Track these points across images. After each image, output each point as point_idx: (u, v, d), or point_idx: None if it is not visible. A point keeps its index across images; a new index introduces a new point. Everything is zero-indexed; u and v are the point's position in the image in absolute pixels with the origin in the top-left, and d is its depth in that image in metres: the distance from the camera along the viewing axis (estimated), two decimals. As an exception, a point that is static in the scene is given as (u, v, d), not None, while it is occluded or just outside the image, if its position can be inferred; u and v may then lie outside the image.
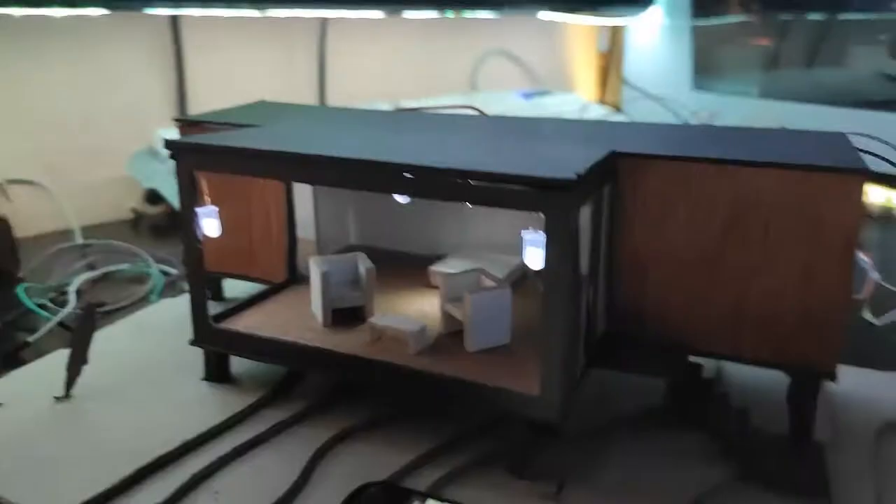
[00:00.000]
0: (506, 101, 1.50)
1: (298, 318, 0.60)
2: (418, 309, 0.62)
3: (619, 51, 1.58)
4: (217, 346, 0.57)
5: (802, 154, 0.53)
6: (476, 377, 0.50)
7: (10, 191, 0.97)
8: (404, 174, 0.46)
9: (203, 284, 0.56)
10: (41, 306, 0.76)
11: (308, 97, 1.27)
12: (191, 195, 0.53)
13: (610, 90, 1.60)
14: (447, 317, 0.57)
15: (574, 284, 0.45)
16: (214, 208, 0.54)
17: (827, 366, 0.52)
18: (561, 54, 1.66)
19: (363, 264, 0.60)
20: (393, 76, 1.37)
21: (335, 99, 1.29)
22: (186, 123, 0.69)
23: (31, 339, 0.70)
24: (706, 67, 1.47)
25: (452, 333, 0.57)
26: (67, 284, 0.81)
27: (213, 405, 0.55)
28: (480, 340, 0.55)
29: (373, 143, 0.56)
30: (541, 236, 0.44)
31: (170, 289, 0.84)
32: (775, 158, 0.51)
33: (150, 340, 0.66)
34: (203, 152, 0.52)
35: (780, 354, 0.53)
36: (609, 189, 0.54)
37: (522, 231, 0.47)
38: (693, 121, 1.34)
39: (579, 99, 1.56)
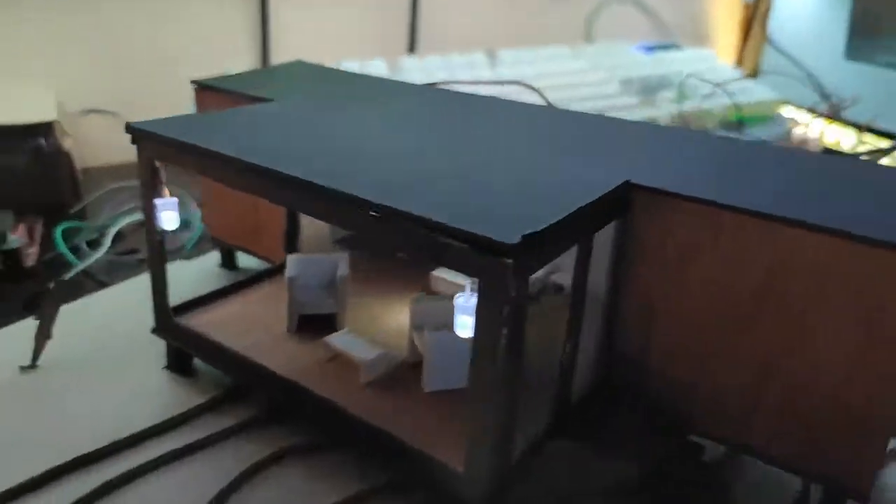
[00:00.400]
0: (623, 55, 1.36)
1: (268, 317, 0.56)
2: (401, 323, 0.57)
3: (767, 3, 1.37)
4: (173, 339, 0.54)
5: (885, 215, 0.42)
6: (405, 432, 0.44)
7: (86, 120, 0.99)
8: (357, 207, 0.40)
9: (163, 275, 0.53)
10: (74, 249, 0.78)
11: (397, 46, 1.21)
12: (150, 186, 0.50)
13: (750, 50, 1.40)
14: (413, 345, 0.52)
15: (512, 363, 0.38)
16: (174, 200, 0.50)
17: (858, 483, 0.42)
18: (698, 2, 1.47)
19: (342, 269, 0.55)
20: (494, 23, 1.27)
21: (427, 48, 1.21)
22: (201, 87, 0.65)
23: (52, 284, 0.72)
24: (865, 32, 1.24)
25: (417, 364, 0.51)
26: (108, 226, 0.83)
27: (164, 399, 0.53)
28: (438, 382, 0.49)
29: (355, 146, 0.48)
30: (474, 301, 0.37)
31: (207, 241, 0.83)
32: (836, 219, 0.40)
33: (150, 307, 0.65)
34: (159, 142, 0.48)
35: (801, 456, 0.44)
36: (620, 223, 0.46)
37: (456, 296, 0.40)
38: (836, 98, 1.15)
39: (711, 57, 1.38)
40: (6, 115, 0.87)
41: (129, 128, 0.49)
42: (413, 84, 0.68)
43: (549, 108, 0.62)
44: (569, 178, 0.45)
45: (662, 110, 1.18)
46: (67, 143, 0.93)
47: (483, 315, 0.36)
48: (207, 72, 1.06)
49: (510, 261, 0.35)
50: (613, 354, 0.49)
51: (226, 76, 0.67)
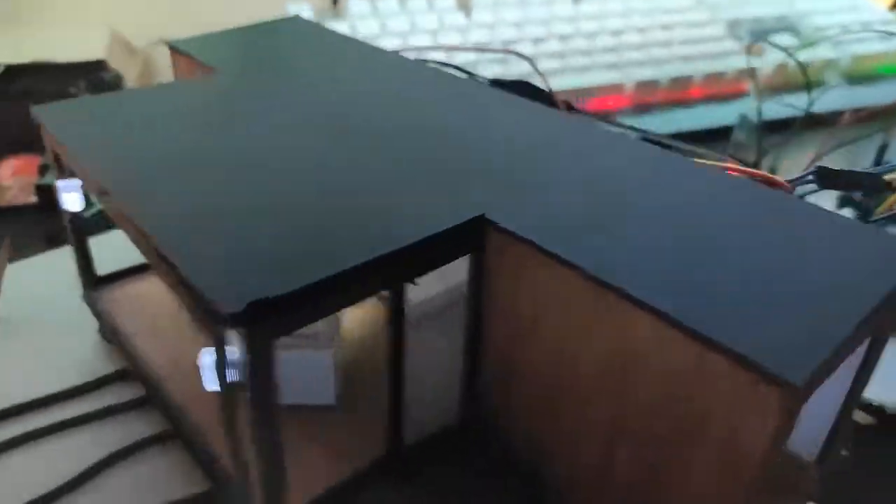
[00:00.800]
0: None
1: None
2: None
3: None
4: (94, 310, 0.57)
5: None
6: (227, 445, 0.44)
7: (151, 51, 1.03)
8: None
9: (84, 250, 0.56)
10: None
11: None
12: (56, 168, 0.52)
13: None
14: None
15: (262, 419, 0.36)
16: (77, 182, 0.52)
17: None
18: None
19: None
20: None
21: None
22: (173, 49, 0.65)
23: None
24: None
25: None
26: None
27: (87, 364, 0.56)
28: (291, 396, 0.47)
29: (216, 151, 0.45)
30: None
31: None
32: (684, 294, 0.34)
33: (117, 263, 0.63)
34: (51, 129, 0.49)
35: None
36: (476, 259, 0.41)
37: (203, 350, 0.38)
38: None
39: (856, -7, 1.15)
40: (64, 52, 0.93)
41: (34, 111, 0.50)
42: (384, 52, 0.63)
43: (471, 87, 0.55)
44: (403, 209, 0.40)
45: (767, 59, 1.02)
46: (131, 77, 0.98)
47: (219, 378, 0.35)
48: (273, 6, 1.06)
49: (237, 329, 0.33)
50: (475, 396, 0.45)
51: (189, 39, 0.66)
